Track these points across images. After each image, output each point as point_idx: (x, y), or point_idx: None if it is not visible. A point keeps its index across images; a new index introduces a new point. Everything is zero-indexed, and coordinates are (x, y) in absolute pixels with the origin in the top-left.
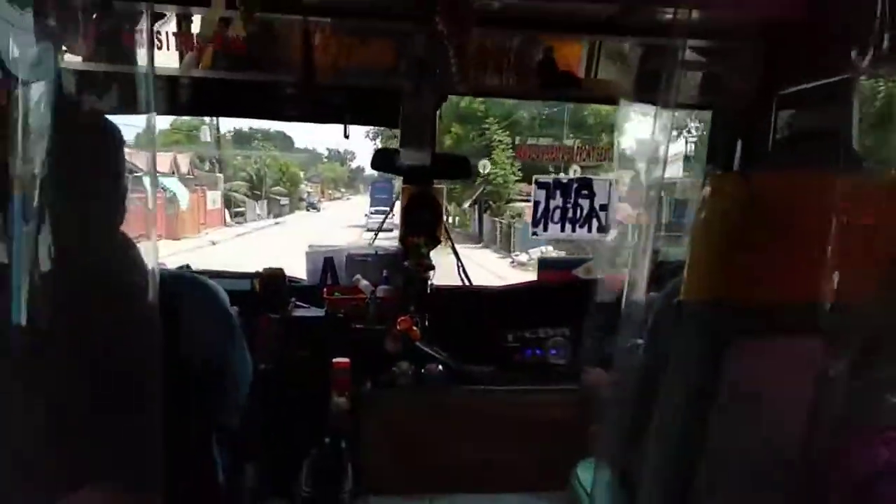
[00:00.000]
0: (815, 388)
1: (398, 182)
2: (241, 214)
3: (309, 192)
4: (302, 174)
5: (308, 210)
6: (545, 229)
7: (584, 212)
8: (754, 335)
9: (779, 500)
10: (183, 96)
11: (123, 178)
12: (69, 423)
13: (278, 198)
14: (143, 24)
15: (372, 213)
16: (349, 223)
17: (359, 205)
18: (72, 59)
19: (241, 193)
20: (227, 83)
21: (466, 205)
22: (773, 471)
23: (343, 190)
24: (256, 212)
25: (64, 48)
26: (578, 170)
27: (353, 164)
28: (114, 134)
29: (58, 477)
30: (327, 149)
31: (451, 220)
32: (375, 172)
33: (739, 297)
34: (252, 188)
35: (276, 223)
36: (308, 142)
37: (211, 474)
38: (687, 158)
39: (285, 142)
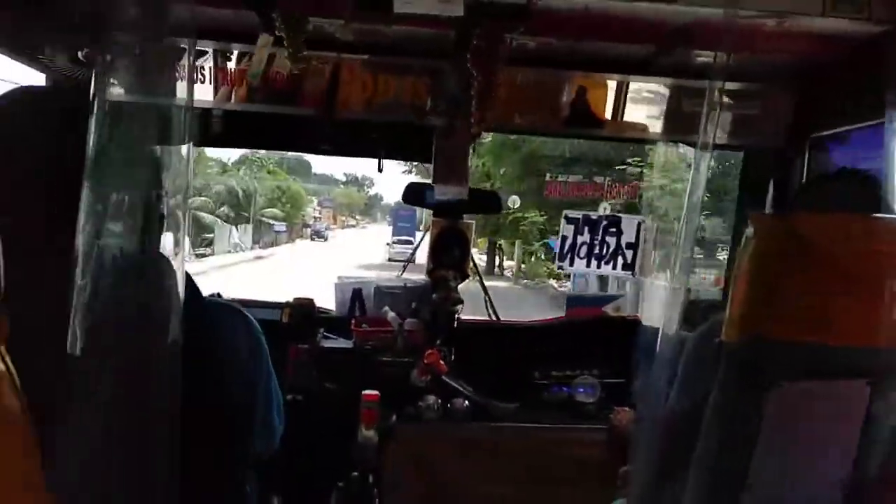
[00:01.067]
0: (860, 434)
1: (420, 211)
2: (209, 244)
3: (316, 218)
4: (312, 198)
5: (313, 239)
6: (571, 264)
7: (611, 249)
8: (798, 377)
9: None
10: (218, 128)
11: (163, 202)
12: (103, 454)
13: (271, 222)
14: (185, 60)
15: (394, 243)
16: (363, 260)
17: (376, 234)
18: (116, 91)
19: (214, 214)
20: (264, 116)
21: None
22: None
23: (358, 217)
24: (233, 240)
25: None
26: (608, 208)
27: (372, 191)
28: (157, 160)
29: None
30: (344, 174)
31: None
32: (392, 200)
33: (783, 338)
34: (236, 208)
35: (258, 257)
36: (325, 167)
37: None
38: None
39: (301, 165)
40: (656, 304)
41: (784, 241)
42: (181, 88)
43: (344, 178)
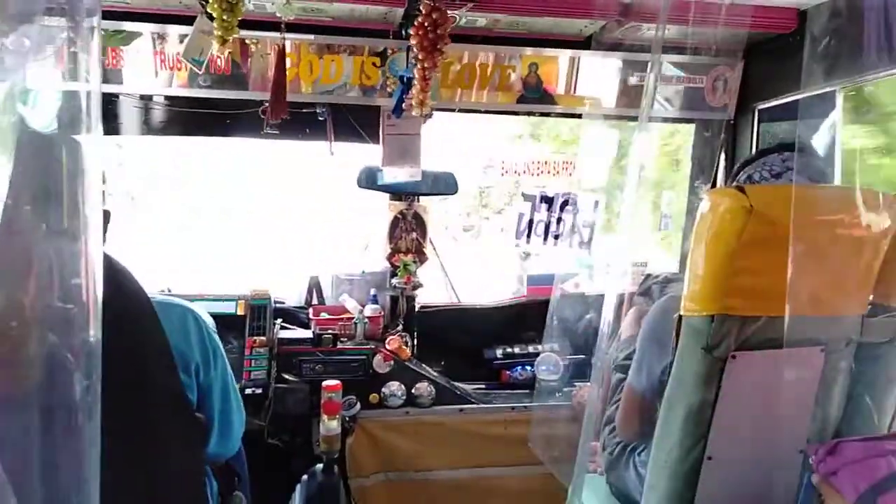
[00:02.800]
0: (813, 398)
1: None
2: None
3: None
4: None
5: None
6: (528, 241)
7: (567, 226)
8: (755, 348)
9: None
10: (157, 116)
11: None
12: (55, 452)
13: None
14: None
15: None
16: None
17: None
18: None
19: None
20: (205, 102)
21: None
22: (775, 477)
23: None
24: None
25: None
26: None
27: None
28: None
29: None
30: None
31: None
32: None
33: (740, 312)
34: None
35: None
36: None
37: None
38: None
39: None
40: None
41: (738, 217)
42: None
43: None
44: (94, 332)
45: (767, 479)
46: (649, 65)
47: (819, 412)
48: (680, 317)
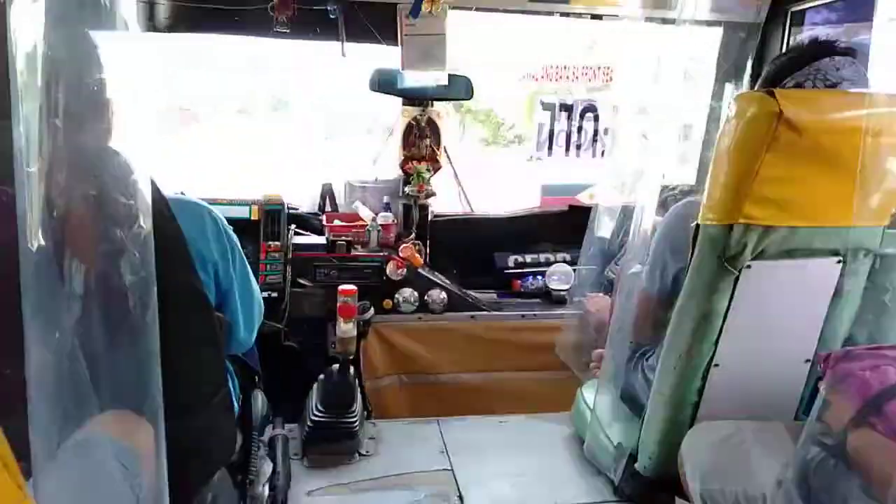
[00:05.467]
0: (826, 309)
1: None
2: None
3: None
4: None
5: None
6: (549, 153)
7: (589, 136)
8: (772, 257)
9: (785, 413)
10: (162, 13)
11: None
12: (72, 352)
13: None
14: None
15: None
16: None
17: None
18: None
19: None
20: None
21: None
22: (781, 385)
23: None
24: None
25: None
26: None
27: None
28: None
29: (72, 405)
30: None
31: None
32: None
33: (760, 221)
34: None
35: None
36: None
37: (227, 399)
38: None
39: None
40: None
41: (766, 123)
42: None
43: None
44: (146, 224)
45: (773, 388)
46: None
47: (831, 322)
48: (697, 225)
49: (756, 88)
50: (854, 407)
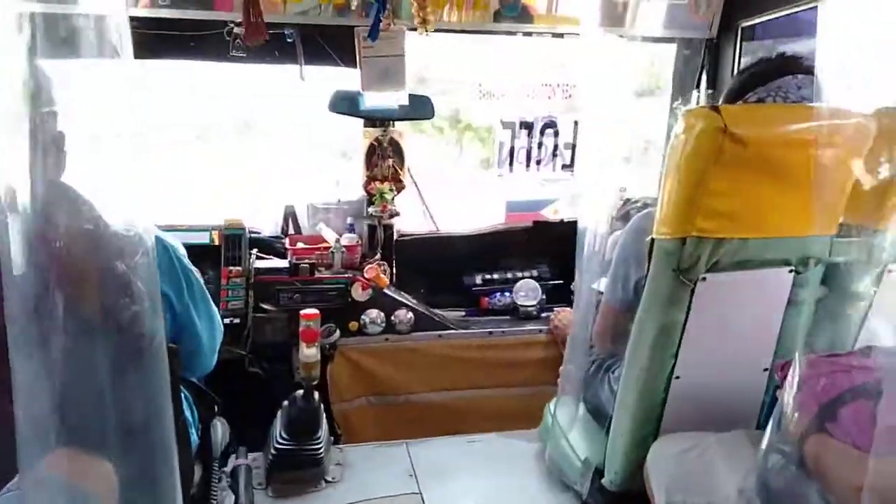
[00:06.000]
0: (782, 317)
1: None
2: None
3: None
4: None
5: None
6: (510, 170)
7: (549, 151)
8: (725, 268)
9: (746, 423)
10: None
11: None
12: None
13: None
14: None
15: None
16: None
17: None
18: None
19: None
20: (169, 23)
21: None
22: (742, 397)
23: None
24: None
25: None
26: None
27: None
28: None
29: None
30: None
31: None
32: None
33: (711, 234)
34: None
35: None
36: None
37: (182, 432)
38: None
39: None
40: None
41: (711, 137)
42: None
43: None
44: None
45: (734, 397)
46: None
47: (786, 331)
48: (652, 240)
49: (720, 102)
50: (810, 414)
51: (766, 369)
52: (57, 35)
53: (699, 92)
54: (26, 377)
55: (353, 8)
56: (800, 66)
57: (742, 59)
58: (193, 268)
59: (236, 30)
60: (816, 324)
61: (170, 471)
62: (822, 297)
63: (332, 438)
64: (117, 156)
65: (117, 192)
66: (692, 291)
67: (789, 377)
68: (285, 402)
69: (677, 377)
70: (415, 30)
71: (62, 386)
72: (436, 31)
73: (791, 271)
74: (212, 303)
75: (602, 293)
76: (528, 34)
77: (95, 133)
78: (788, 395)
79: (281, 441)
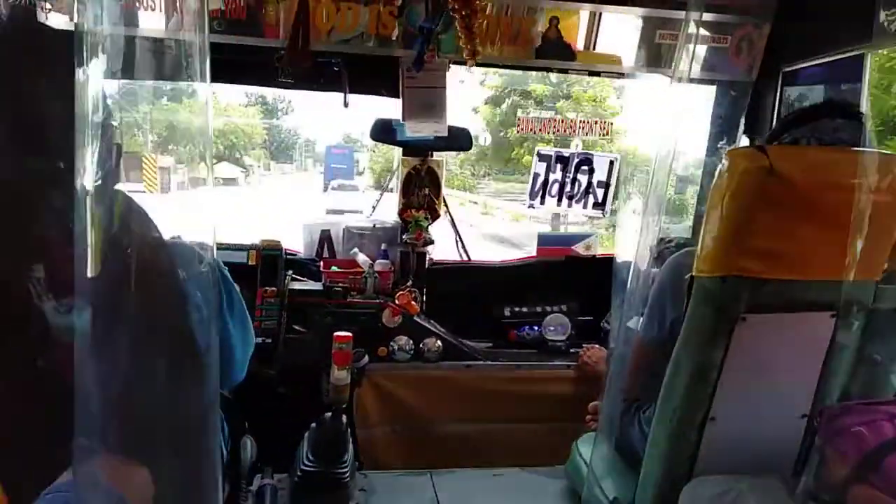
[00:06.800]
0: (822, 363)
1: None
2: None
3: None
4: None
5: None
6: (542, 202)
7: (583, 187)
8: (765, 310)
9: (781, 468)
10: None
11: (115, 135)
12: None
13: None
14: None
15: (334, 190)
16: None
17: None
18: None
19: None
20: (220, 47)
21: None
22: (779, 443)
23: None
24: None
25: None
26: (580, 144)
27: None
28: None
29: (59, 449)
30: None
31: None
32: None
33: (752, 273)
34: None
35: None
36: None
37: (212, 447)
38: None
39: None
40: (629, 242)
41: (757, 177)
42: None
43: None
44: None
45: (770, 442)
46: (683, 22)
47: (827, 377)
48: (692, 277)
49: (759, 143)
50: (851, 463)
51: (804, 416)
52: (145, 56)
53: (737, 134)
54: (88, 380)
55: (394, 38)
56: (843, 111)
57: (784, 103)
58: (234, 286)
59: (284, 56)
60: (857, 370)
61: (214, 484)
62: (865, 343)
63: (357, 464)
64: (192, 173)
65: (185, 205)
66: (731, 332)
67: (829, 424)
68: (313, 424)
69: (712, 418)
70: (460, 63)
71: (121, 391)
72: (478, 65)
73: (833, 316)
74: (247, 314)
75: (637, 331)
76: (564, 71)
77: (175, 151)
78: (828, 443)
79: (307, 463)
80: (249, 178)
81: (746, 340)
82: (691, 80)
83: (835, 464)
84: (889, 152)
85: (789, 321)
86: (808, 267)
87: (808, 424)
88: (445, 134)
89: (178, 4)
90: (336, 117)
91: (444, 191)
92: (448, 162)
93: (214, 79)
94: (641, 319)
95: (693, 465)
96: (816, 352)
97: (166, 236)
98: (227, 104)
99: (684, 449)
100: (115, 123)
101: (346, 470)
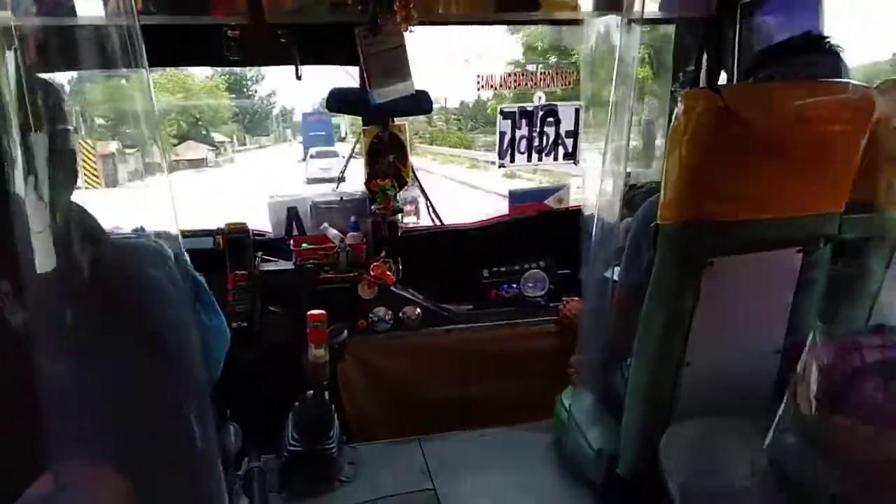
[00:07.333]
0: (792, 299)
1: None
2: None
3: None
4: None
5: None
6: (512, 160)
7: (551, 139)
8: (731, 251)
9: (758, 405)
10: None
11: (70, 135)
12: (37, 400)
13: None
14: None
15: (313, 158)
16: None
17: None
18: None
19: None
20: (161, 29)
21: None
22: (754, 381)
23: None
24: None
25: None
26: (543, 97)
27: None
28: (50, 89)
29: (32, 454)
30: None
31: None
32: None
33: (716, 216)
34: None
35: None
36: None
37: (186, 441)
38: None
39: None
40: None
41: (712, 117)
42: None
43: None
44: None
45: (746, 381)
46: None
47: (798, 312)
48: (657, 225)
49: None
50: (821, 394)
51: (778, 351)
52: (73, 47)
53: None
54: (52, 389)
55: (349, 3)
56: (818, 47)
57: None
58: (200, 278)
59: (231, 33)
60: (828, 303)
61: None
62: (833, 275)
63: (345, 438)
64: (136, 167)
65: (139, 202)
66: (699, 277)
67: (800, 358)
68: (296, 404)
69: (688, 363)
70: (423, 23)
71: (88, 397)
72: (437, 23)
73: (800, 251)
74: (220, 312)
75: (616, 281)
76: (525, 23)
77: (115, 144)
78: (799, 376)
79: (293, 442)
80: (221, 156)
81: (715, 284)
82: (648, 21)
83: (808, 396)
84: (848, 81)
85: (757, 261)
86: (771, 205)
87: (782, 360)
88: (413, 92)
89: None
90: (309, 85)
91: (443, 150)
92: (434, 120)
93: (164, 63)
94: (620, 269)
95: (672, 410)
96: (786, 288)
97: (120, 234)
98: (185, 75)
99: (662, 395)
100: (69, 127)
101: (332, 446)
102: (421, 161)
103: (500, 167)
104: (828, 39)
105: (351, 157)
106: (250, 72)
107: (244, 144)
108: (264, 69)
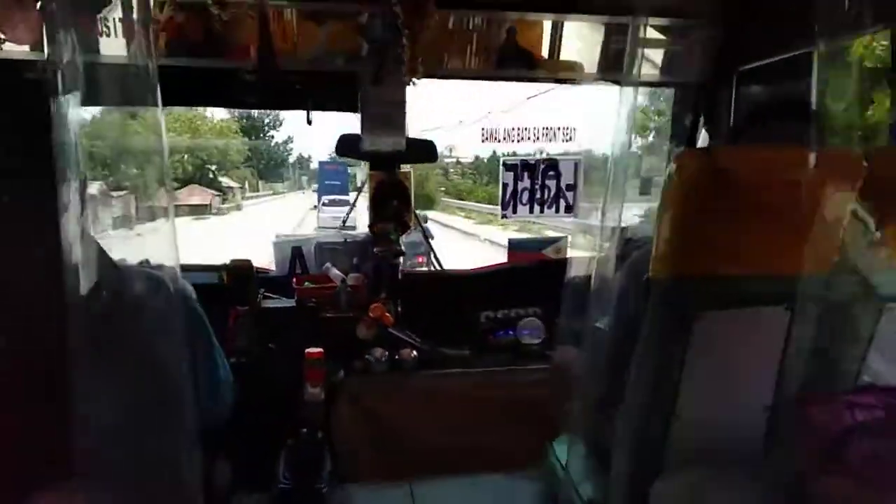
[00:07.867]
0: (780, 356)
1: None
2: None
3: None
4: None
5: None
6: (514, 211)
7: (552, 193)
8: (721, 307)
9: (749, 458)
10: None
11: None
12: (34, 425)
13: None
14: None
15: (326, 206)
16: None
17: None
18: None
19: None
20: (181, 70)
21: None
22: (743, 435)
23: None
24: None
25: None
26: (545, 151)
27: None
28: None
29: (25, 477)
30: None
31: None
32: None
33: (706, 272)
34: None
35: None
36: None
37: (181, 475)
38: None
39: None
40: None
41: (703, 177)
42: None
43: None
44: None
45: (736, 434)
46: (630, 28)
47: (786, 370)
48: (648, 279)
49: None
50: (815, 452)
51: (767, 406)
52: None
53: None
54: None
55: (364, 55)
56: (792, 110)
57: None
58: (203, 314)
59: (247, 77)
60: (817, 361)
61: None
62: (822, 333)
63: (336, 478)
64: (149, 200)
65: (147, 236)
66: (689, 330)
67: (791, 416)
68: (289, 441)
69: (677, 415)
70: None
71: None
72: (441, 77)
73: (787, 309)
74: (219, 349)
75: (605, 331)
76: (531, 80)
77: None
78: (791, 435)
79: (284, 481)
80: (228, 202)
81: (704, 338)
82: (650, 84)
83: (798, 454)
84: (835, 147)
85: (745, 317)
86: (759, 263)
87: (770, 417)
88: (402, 148)
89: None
90: (326, 131)
91: (456, 202)
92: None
93: (182, 103)
94: (611, 319)
95: (661, 462)
96: (775, 344)
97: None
98: (192, 115)
99: (651, 446)
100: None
101: (322, 486)
102: (451, 218)
103: (503, 217)
104: (800, 104)
105: (356, 201)
106: (267, 117)
107: (256, 190)
108: (282, 114)
